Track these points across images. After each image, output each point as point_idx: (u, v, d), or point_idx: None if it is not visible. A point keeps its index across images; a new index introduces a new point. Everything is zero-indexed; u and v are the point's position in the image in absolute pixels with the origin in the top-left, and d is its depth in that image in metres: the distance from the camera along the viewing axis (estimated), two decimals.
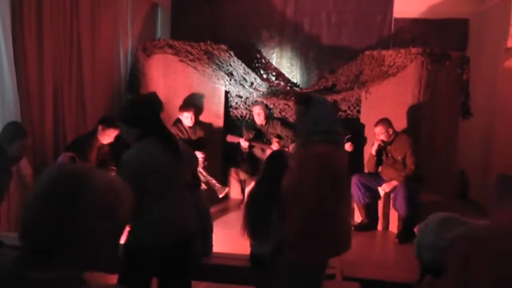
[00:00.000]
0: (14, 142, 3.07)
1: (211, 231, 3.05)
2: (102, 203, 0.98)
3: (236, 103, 5.86)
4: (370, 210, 4.83)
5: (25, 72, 4.01)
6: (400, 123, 4.88)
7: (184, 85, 5.61)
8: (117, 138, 4.29)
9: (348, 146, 5.17)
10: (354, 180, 4.78)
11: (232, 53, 5.60)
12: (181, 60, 5.53)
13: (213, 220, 3.05)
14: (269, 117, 5.58)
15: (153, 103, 2.42)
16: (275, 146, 5.27)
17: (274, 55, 6.52)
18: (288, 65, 6.50)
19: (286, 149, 5.16)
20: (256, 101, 5.59)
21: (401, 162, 4.65)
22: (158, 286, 2.41)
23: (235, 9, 6.44)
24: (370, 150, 4.86)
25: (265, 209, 2.48)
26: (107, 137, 4.30)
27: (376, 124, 4.71)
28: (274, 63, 6.51)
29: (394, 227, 4.70)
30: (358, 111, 5.53)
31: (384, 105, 5.01)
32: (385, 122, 4.68)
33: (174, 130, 5.30)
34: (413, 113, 4.96)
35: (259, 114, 5.42)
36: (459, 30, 6.11)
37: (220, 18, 6.49)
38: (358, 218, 4.95)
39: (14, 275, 0.93)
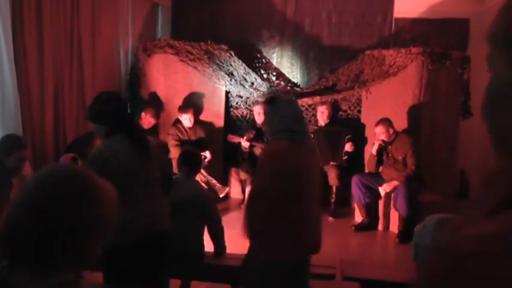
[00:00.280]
0: (11, 153, 3.09)
1: (222, 232, 3.08)
2: (91, 204, 0.97)
3: (237, 103, 5.86)
4: (370, 210, 4.84)
5: (25, 72, 4.02)
6: (401, 123, 4.88)
7: (185, 85, 5.62)
8: None
9: (348, 146, 5.19)
10: (355, 180, 4.79)
11: (232, 53, 5.60)
12: (181, 60, 5.53)
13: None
14: None
15: (118, 100, 2.40)
16: None
17: (275, 55, 6.52)
18: (288, 65, 6.50)
19: None
20: (256, 101, 5.59)
21: (401, 162, 4.65)
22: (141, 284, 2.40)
23: (236, 9, 6.45)
24: (371, 150, 4.86)
25: None
26: None
27: (377, 124, 4.71)
28: (274, 63, 6.51)
29: (394, 227, 4.70)
30: (359, 111, 5.53)
31: (384, 105, 5.01)
32: (386, 121, 4.68)
33: (173, 130, 5.31)
34: (413, 112, 4.96)
35: (259, 114, 5.42)
36: (460, 30, 6.10)
37: (220, 18, 6.49)
38: (358, 218, 4.96)
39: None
